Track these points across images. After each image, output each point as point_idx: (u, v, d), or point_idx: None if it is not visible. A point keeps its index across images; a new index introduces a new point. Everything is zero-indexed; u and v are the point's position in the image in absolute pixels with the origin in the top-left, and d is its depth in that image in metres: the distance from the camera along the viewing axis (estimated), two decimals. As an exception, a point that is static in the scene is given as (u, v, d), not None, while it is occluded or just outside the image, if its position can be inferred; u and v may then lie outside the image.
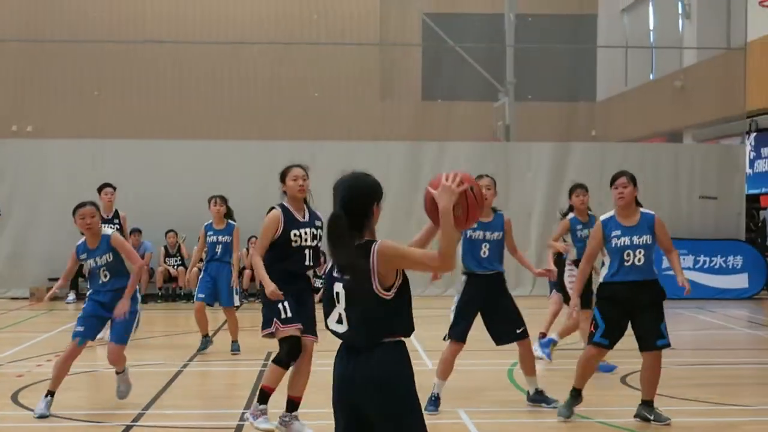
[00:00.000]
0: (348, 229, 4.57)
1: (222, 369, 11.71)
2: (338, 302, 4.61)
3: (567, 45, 30.79)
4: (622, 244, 8.33)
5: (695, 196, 21.29)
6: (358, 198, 4.63)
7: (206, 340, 12.57)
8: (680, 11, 27.44)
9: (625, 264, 8.30)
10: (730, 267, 19.67)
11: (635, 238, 8.34)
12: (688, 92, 26.00)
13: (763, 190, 23.06)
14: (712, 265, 19.87)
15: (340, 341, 4.66)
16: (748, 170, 22.90)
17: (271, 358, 8.16)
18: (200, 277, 12.76)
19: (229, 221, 12.77)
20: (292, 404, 7.90)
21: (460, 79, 28.96)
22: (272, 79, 30.96)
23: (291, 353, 7.80)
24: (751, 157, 23.47)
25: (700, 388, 9.95)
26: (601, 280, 8.50)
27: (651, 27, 30.71)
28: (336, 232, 4.58)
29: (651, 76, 30.46)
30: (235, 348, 12.52)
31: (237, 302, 12.72)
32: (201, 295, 12.49)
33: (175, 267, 19.61)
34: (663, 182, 21.12)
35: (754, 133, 23.51)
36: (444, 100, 31.66)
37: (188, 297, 19.36)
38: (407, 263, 4.56)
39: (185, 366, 11.45)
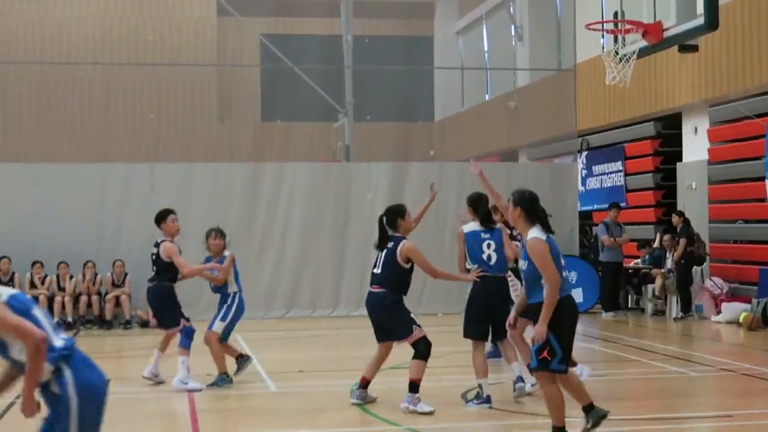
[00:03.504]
0: None
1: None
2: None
3: (404, 66, 31.24)
4: None
5: (530, 213, 21.69)
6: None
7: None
8: (513, 34, 28.13)
9: None
10: (565, 282, 20.10)
11: None
12: (521, 112, 26.64)
13: (595, 206, 23.79)
14: (547, 280, 20.24)
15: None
16: (581, 187, 23.60)
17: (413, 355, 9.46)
18: None
19: None
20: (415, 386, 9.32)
21: (300, 100, 28.98)
22: (107, 100, 30.34)
23: (429, 347, 9.51)
24: (583, 174, 24.20)
25: (538, 404, 10.08)
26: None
27: (485, 49, 31.41)
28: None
29: (486, 97, 31.13)
30: None
31: None
32: None
33: None
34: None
35: (586, 152, 24.26)
36: (283, 120, 31.64)
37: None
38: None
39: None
